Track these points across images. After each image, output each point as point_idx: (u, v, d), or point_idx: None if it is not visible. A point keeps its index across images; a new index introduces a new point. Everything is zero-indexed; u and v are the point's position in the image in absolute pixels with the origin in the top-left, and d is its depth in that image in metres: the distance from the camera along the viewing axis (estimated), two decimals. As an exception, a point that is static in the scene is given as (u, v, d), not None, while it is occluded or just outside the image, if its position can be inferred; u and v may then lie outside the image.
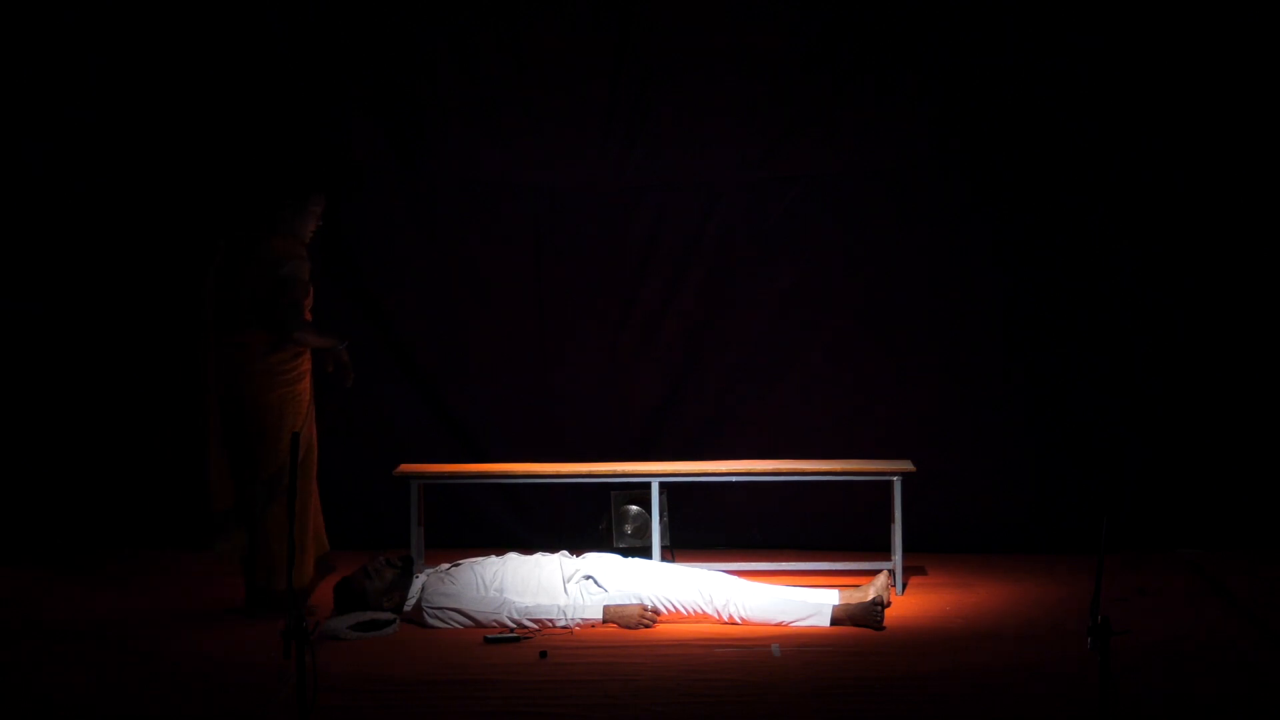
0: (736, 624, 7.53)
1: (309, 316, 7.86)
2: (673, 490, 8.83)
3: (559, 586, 7.64)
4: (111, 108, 9.46)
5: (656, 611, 7.60)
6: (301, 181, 7.95)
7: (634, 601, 7.60)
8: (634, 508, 8.75)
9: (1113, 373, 9.26)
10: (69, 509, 9.56)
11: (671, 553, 8.72)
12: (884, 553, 8.45)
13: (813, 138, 9.38)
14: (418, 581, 7.77)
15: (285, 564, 7.56)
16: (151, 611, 8.01)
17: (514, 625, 7.49)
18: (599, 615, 7.57)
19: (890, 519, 8.39)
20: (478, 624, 7.56)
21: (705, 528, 9.34)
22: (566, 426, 9.49)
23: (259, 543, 7.81)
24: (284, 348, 7.78)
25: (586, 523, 8.99)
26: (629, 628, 7.52)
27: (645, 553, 8.44)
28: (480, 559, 7.89)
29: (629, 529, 8.75)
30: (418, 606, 7.67)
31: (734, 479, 8.67)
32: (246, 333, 7.77)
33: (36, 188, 9.49)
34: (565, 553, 7.93)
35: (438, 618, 7.60)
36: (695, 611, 7.60)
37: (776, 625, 7.50)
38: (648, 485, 8.55)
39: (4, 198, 9.51)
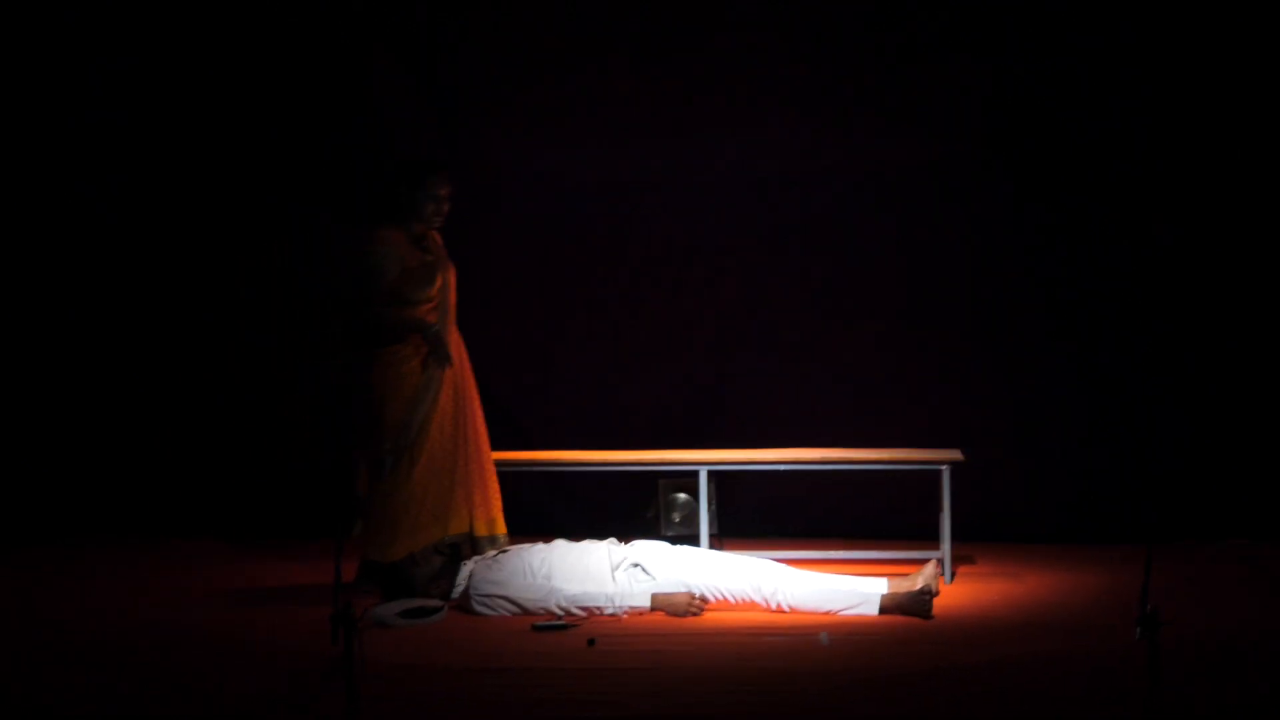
0: (784, 612, 7.52)
1: (427, 303, 7.90)
2: (721, 478, 8.82)
3: (607, 574, 7.63)
4: (135, 104, 9.55)
5: (704, 599, 7.59)
6: (410, 168, 7.93)
7: (682, 589, 7.59)
8: (682, 495, 8.75)
9: (1162, 360, 9.21)
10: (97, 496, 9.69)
11: (719, 541, 8.72)
12: (933, 542, 8.43)
13: (859, 128, 9.36)
14: (465, 569, 7.78)
15: (379, 537, 7.76)
16: (199, 596, 8.07)
17: (562, 613, 7.50)
18: (647, 603, 7.56)
19: (939, 508, 8.37)
20: (525, 611, 7.56)
21: (753, 516, 9.33)
22: (614, 414, 9.49)
23: (368, 518, 7.87)
24: (367, 335, 7.89)
25: (634, 510, 9.00)
26: (677, 615, 7.51)
27: (693, 541, 8.44)
28: (528, 546, 7.89)
29: (677, 517, 8.75)
30: (465, 594, 7.68)
31: (782, 467, 8.65)
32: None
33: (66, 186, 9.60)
34: (613, 540, 7.93)
35: (485, 605, 7.61)
36: (743, 600, 7.59)
37: (824, 614, 7.49)
38: (696, 473, 8.55)
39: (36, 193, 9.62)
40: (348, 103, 9.51)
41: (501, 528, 8.07)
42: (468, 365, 8.09)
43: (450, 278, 8.01)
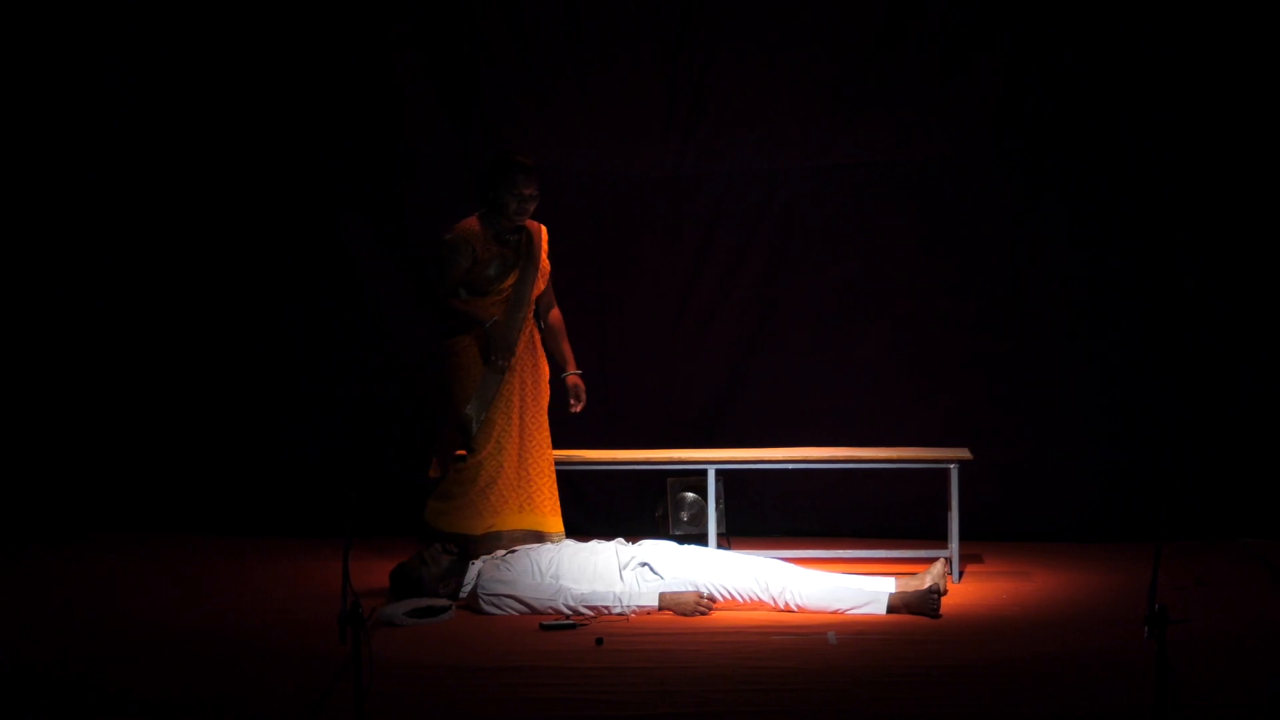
0: (792, 611, 7.52)
1: (496, 296, 8.03)
2: (729, 477, 8.82)
3: (615, 573, 7.63)
4: (151, 98, 9.59)
5: (712, 599, 7.59)
6: (497, 164, 8.05)
7: (690, 589, 7.58)
8: (690, 495, 8.75)
9: (1173, 360, 9.20)
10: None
11: (728, 540, 8.71)
12: (941, 541, 8.43)
13: (876, 124, 9.36)
14: (473, 568, 7.78)
15: (462, 514, 7.96)
16: (206, 593, 8.08)
17: (570, 612, 7.49)
18: (655, 602, 7.56)
19: (947, 507, 8.36)
20: (533, 611, 7.56)
21: (762, 515, 9.33)
22: (624, 413, 9.49)
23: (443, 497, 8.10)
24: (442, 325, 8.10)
25: (643, 510, 8.99)
26: (685, 615, 7.50)
27: (701, 540, 8.44)
28: (536, 545, 7.89)
29: (685, 516, 8.74)
30: (473, 593, 7.68)
31: (791, 466, 8.65)
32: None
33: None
34: (621, 539, 7.92)
35: (493, 604, 7.61)
36: (751, 599, 7.59)
37: (832, 613, 7.48)
38: (704, 472, 8.55)
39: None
40: (367, 99, 9.53)
41: (553, 527, 8.12)
42: (541, 364, 8.16)
43: (534, 274, 8.08)
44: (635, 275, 9.52)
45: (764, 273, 9.50)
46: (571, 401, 8.26)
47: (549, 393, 8.23)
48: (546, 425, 8.20)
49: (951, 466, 8.37)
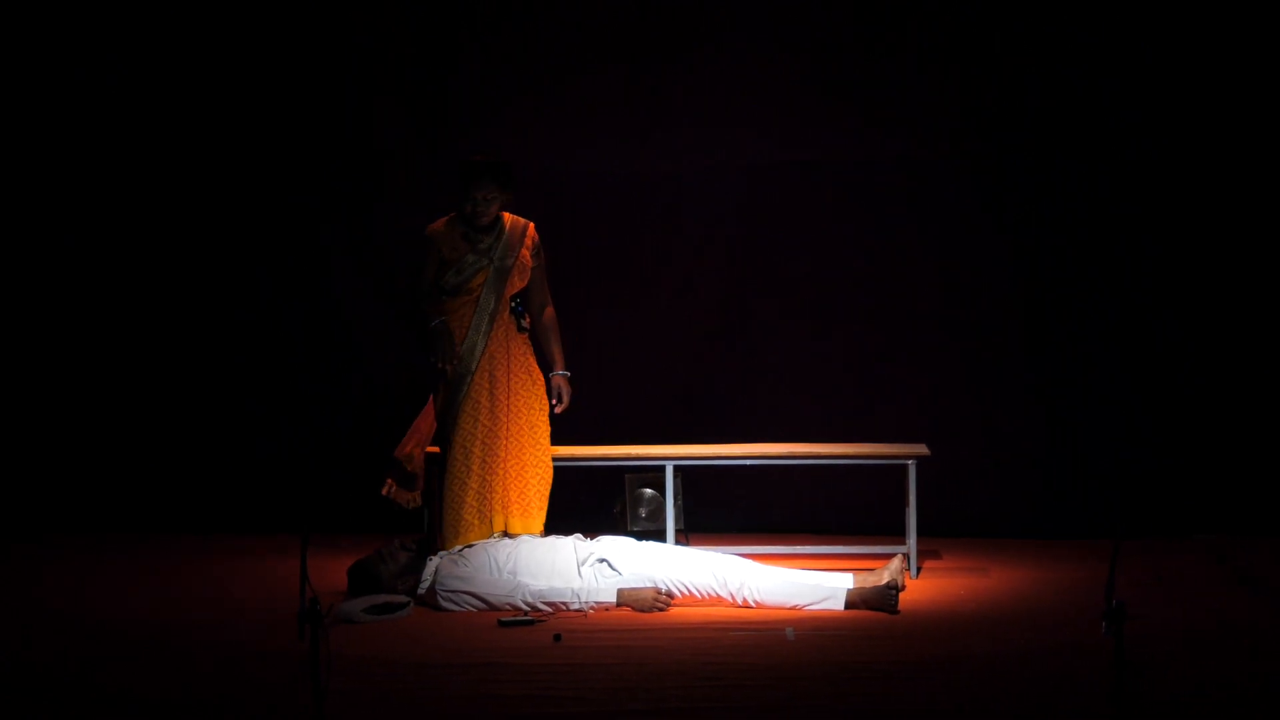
0: (751, 607, 7.52)
1: (464, 296, 8.06)
2: (687, 473, 8.82)
3: (573, 569, 7.63)
4: (136, 91, 9.59)
5: (671, 595, 7.59)
6: (460, 167, 8.10)
7: (648, 585, 7.58)
8: (648, 491, 8.75)
9: (1129, 357, 9.24)
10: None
11: (686, 536, 8.72)
12: (898, 537, 8.44)
13: (835, 124, 9.40)
14: (431, 564, 7.77)
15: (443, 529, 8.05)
16: (166, 591, 8.06)
17: (528, 608, 7.48)
18: (613, 598, 7.56)
19: (905, 503, 8.38)
20: (491, 607, 7.55)
21: (720, 511, 9.34)
22: (582, 410, 9.47)
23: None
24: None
25: (601, 506, 8.99)
26: (643, 611, 7.51)
27: (660, 536, 8.44)
28: (494, 541, 7.88)
29: (643, 512, 8.74)
30: (431, 589, 7.67)
31: (748, 462, 8.66)
32: None
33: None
34: (579, 535, 7.92)
35: (451, 601, 7.60)
36: (709, 595, 7.59)
37: (791, 609, 7.49)
38: (662, 468, 8.55)
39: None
40: (354, 96, 9.57)
41: (532, 529, 8.12)
42: (522, 364, 8.14)
43: (505, 275, 8.08)
44: (594, 274, 9.52)
45: (723, 271, 9.52)
46: (553, 401, 8.24)
47: (540, 391, 8.20)
48: (536, 423, 8.17)
49: (909, 463, 8.39)
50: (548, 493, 8.18)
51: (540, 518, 8.13)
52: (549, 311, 8.30)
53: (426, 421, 8.34)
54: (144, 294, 9.72)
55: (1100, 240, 9.23)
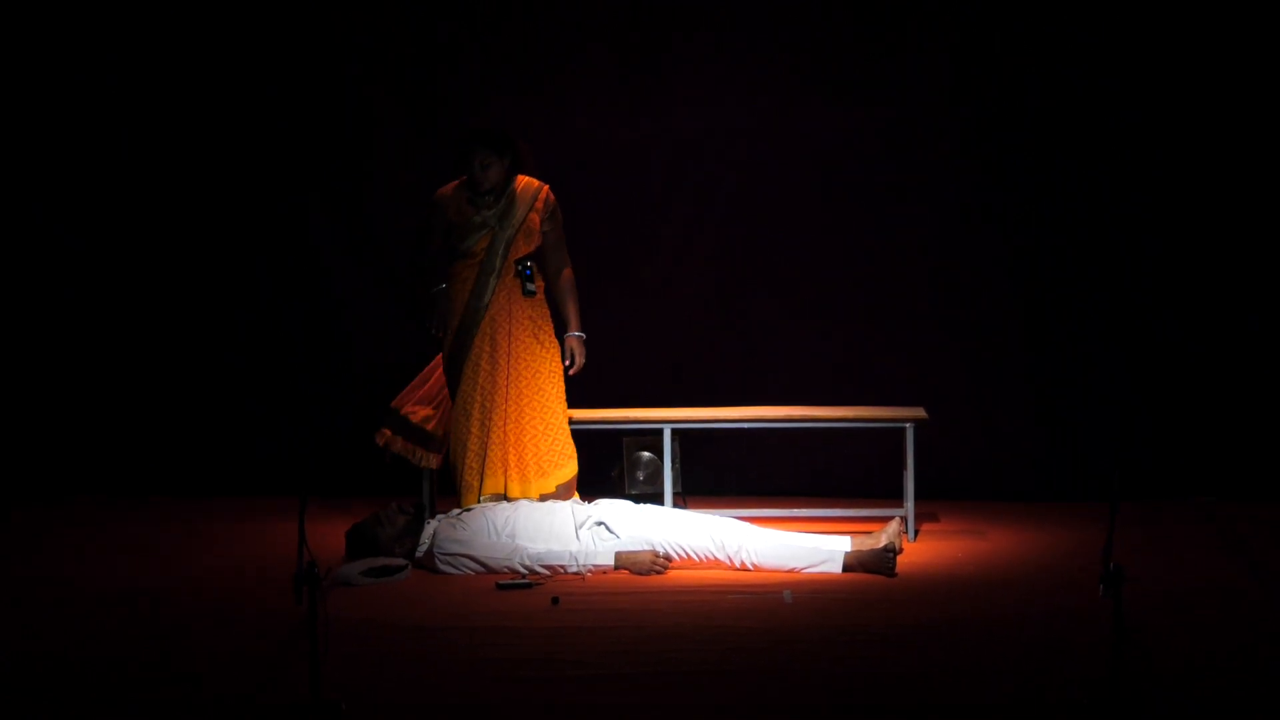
0: (748, 570, 7.53)
1: (469, 259, 8.12)
2: (685, 437, 8.82)
3: (571, 533, 7.63)
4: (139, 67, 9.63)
5: (668, 558, 7.60)
6: (461, 135, 8.20)
7: (646, 548, 7.59)
8: (646, 454, 8.75)
9: (1127, 319, 9.24)
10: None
11: (684, 499, 8.72)
12: (896, 500, 8.45)
13: (825, 93, 9.39)
14: (429, 527, 7.77)
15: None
16: (163, 555, 8.06)
17: (525, 571, 7.49)
18: (611, 561, 7.56)
19: (903, 466, 8.38)
20: (489, 570, 7.55)
21: (718, 474, 9.35)
22: (581, 373, 9.47)
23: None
24: None
25: (599, 469, 8.99)
26: (641, 574, 7.51)
27: (657, 499, 8.45)
28: (491, 505, 7.88)
29: (641, 475, 8.74)
30: (429, 553, 7.67)
31: (747, 425, 8.66)
32: None
33: None
34: (577, 499, 7.92)
35: (449, 564, 7.60)
36: (707, 558, 7.60)
37: (788, 572, 7.50)
38: (660, 432, 8.55)
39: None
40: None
41: (530, 494, 8.11)
42: (526, 328, 8.12)
43: (509, 238, 8.09)
44: (591, 240, 9.50)
45: (718, 237, 9.51)
46: (566, 363, 8.23)
47: (550, 354, 8.19)
48: (543, 386, 8.15)
49: (907, 426, 8.39)
50: (557, 457, 8.16)
51: (540, 484, 8.11)
52: (566, 274, 8.27)
53: (435, 381, 8.38)
54: (145, 281, 9.73)
55: (1097, 205, 9.23)
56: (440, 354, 8.28)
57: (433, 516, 7.91)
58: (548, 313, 8.23)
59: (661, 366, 9.52)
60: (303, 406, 9.63)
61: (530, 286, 8.13)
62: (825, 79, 9.38)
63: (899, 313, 9.43)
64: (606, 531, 7.65)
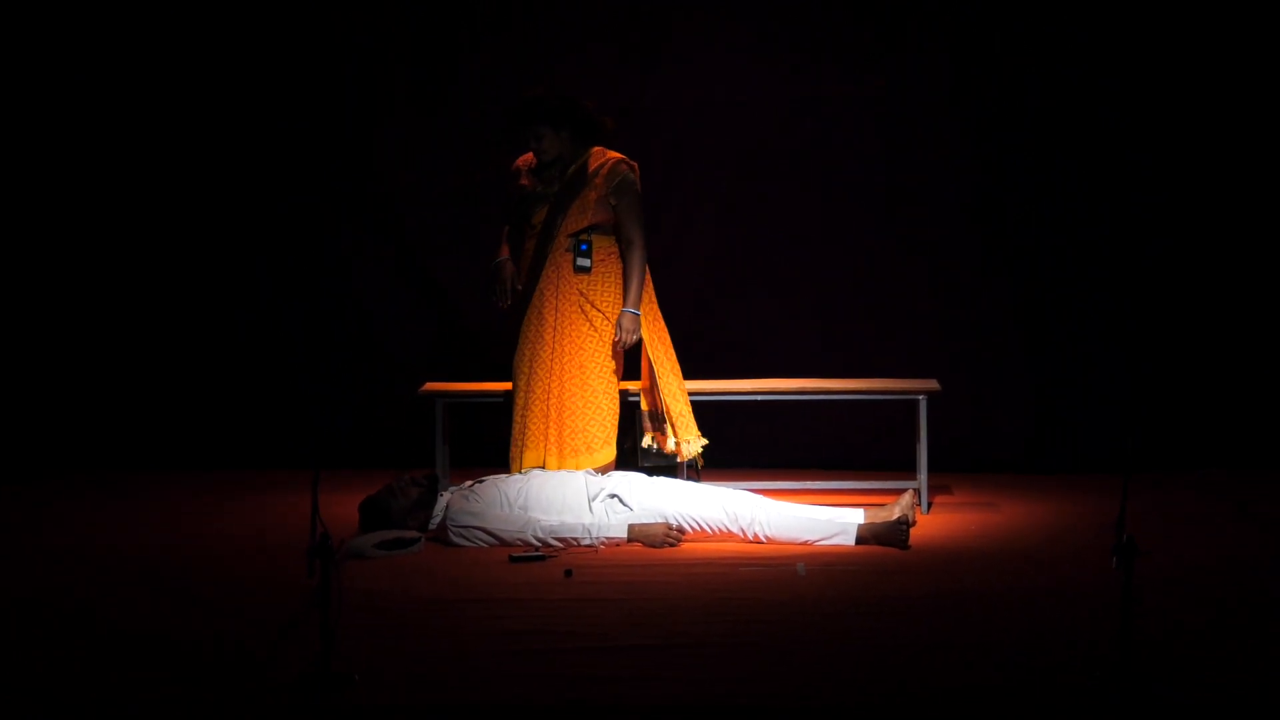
0: (761, 543, 7.53)
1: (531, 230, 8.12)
2: (698, 409, 8.81)
3: (584, 505, 7.63)
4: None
5: (681, 530, 7.60)
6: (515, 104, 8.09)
7: (659, 520, 7.59)
8: (660, 427, 8.74)
9: (1139, 291, 9.23)
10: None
11: (697, 472, 8.72)
12: (909, 472, 8.45)
13: (834, 61, 9.38)
14: (442, 500, 7.77)
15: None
16: (175, 528, 8.08)
17: (538, 544, 7.50)
18: (624, 534, 7.57)
19: (916, 438, 8.38)
20: (502, 542, 7.56)
21: (730, 447, 9.34)
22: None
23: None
24: None
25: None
26: (654, 546, 7.51)
27: (671, 471, 8.43)
28: (504, 476, 7.88)
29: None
30: (442, 525, 7.68)
31: (759, 397, 8.66)
32: None
33: None
34: (590, 471, 7.92)
35: (462, 536, 7.61)
36: (720, 530, 7.60)
37: (801, 544, 7.50)
38: (673, 404, 8.54)
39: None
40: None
41: (573, 467, 8.04)
42: (573, 303, 8.03)
43: (566, 209, 8.00)
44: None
45: (725, 207, 9.51)
46: (615, 338, 8.16)
47: (600, 332, 8.07)
48: (585, 364, 8.04)
49: (920, 398, 8.38)
50: (600, 433, 8.06)
51: (583, 460, 8.00)
52: (630, 249, 8.07)
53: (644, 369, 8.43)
54: (162, 253, 9.76)
55: (1109, 174, 9.24)
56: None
57: (445, 489, 7.91)
58: (606, 291, 8.09)
59: (675, 338, 9.48)
60: (317, 380, 9.63)
61: (582, 261, 8.04)
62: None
63: (912, 284, 9.43)
64: (620, 504, 7.65)
